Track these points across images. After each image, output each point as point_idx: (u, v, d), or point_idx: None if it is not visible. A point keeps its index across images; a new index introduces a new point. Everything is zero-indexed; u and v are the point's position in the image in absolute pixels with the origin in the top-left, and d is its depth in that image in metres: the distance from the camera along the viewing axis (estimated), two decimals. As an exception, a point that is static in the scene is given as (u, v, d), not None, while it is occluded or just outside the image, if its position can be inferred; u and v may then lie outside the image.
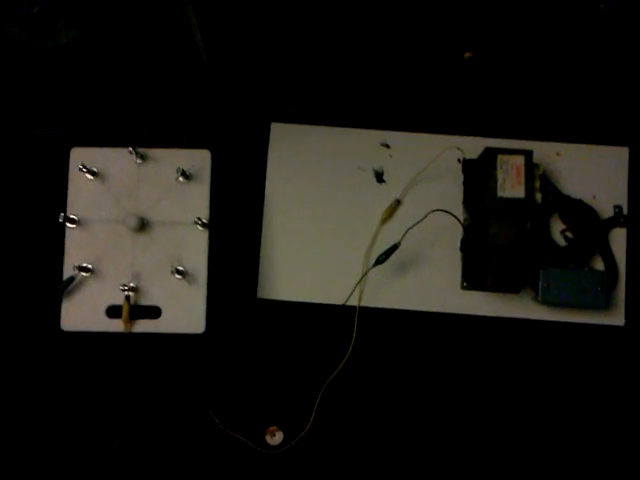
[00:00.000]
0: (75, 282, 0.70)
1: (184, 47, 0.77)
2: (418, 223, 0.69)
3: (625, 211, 0.75)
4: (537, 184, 0.71)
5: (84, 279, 0.70)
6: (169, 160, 0.72)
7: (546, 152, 0.76)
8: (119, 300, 0.69)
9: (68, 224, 0.71)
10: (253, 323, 0.74)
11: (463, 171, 0.76)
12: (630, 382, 0.73)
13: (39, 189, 0.76)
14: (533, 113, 0.79)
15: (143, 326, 0.70)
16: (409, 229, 0.69)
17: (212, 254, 0.71)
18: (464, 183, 0.76)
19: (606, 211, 0.75)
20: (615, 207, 0.75)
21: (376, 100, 0.79)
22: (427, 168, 0.75)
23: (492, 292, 0.73)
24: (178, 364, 0.73)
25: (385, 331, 0.74)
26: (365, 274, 0.73)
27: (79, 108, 0.78)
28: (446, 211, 0.70)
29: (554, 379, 0.73)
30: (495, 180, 0.69)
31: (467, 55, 0.80)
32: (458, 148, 0.75)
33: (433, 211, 0.70)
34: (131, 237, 0.71)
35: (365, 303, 0.73)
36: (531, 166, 0.70)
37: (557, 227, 0.75)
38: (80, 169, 0.71)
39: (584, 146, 0.77)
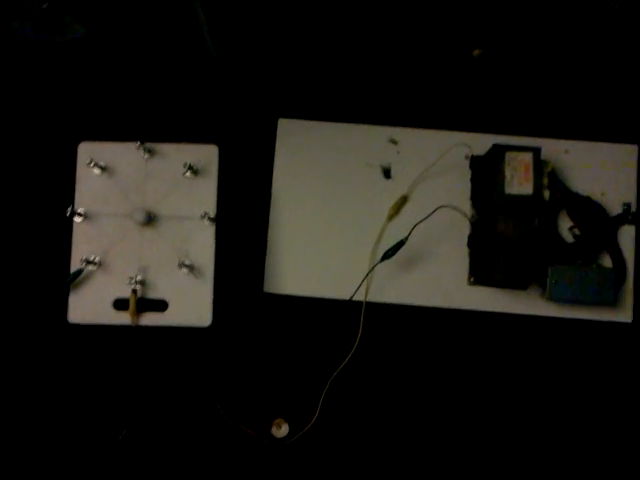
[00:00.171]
0: (82, 275, 0.70)
1: (192, 43, 0.78)
2: (425, 219, 0.69)
3: (633, 208, 0.74)
4: (545, 181, 0.71)
5: (91, 272, 0.71)
6: (176, 155, 0.73)
7: (554, 149, 0.76)
8: (126, 293, 0.70)
9: (76, 218, 0.71)
10: (259, 317, 0.74)
11: (471, 167, 0.76)
12: (638, 378, 0.73)
13: (47, 183, 0.77)
14: (542, 110, 0.78)
15: (150, 319, 0.70)
16: (416, 225, 0.69)
17: (219, 248, 0.71)
18: (471, 179, 0.76)
19: (614, 208, 0.75)
20: (624, 204, 0.75)
21: (384, 96, 0.79)
22: (435, 164, 0.75)
23: (499, 288, 0.73)
24: (184, 357, 0.73)
25: (391, 326, 0.74)
26: (372, 269, 0.72)
27: (87, 103, 0.79)
28: (453, 207, 0.70)
29: (561, 376, 0.73)
30: (503, 177, 0.69)
31: (476, 52, 0.80)
32: (466, 144, 0.74)
33: (440, 207, 0.70)
34: (138, 231, 0.72)
35: (371, 298, 0.73)
36: (539, 163, 0.70)
37: (565, 224, 0.74)
38: (88, 164, 0.71)
39: (593, 143, 0.76)
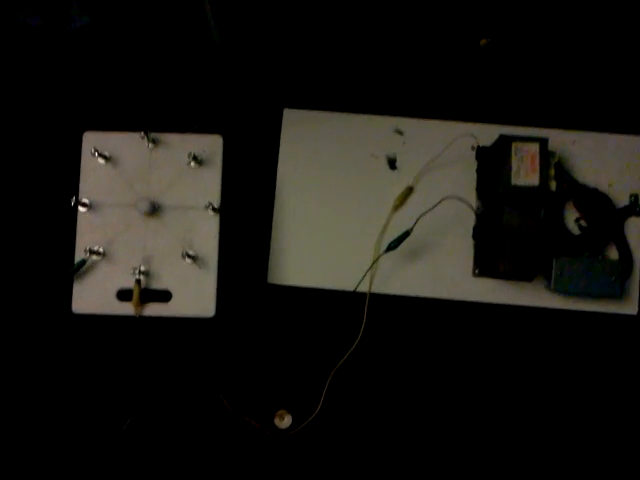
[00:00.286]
0: (86, 265, 0.70)
1: (197, 33, 0.77)
2: (430, 210, 0.69)
3: (641, 200, 0.74)
4: (552, 172, 0.70)
5: (95, 262, 0.71)
6: (181, 145, 0.72)
7: (561, 140, 0.75)
8: (130, 283, 0.70)
9: (80, 208, 0.71)
10: (263, 308, 0.74)
11: (477, 158, 0.75)
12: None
13: (52, 173, 0.76)
14: (549, 101, 0.78)
15: (153, 309, 0.70)
16: (421, 216, 0.69)
17: (223, 239, 0.71)
18: (477, 170, 0.75)
19: (621, 200, 0.74)
20: (631, 196, 0.74)
21: (390, 86, 0.79)
22: (440, 155, 0.74)
23: (504, 280, 0.73)
24: (188, 348, 0.73)
25: (395, 318, 0.74)
26: (376, 260, 0.72)
27: (92, 92, 0.79)
28: (459, 198, 0.70)
29: (567, 368, 0.73)
30: (509, 168, 0.69)
31: (483, 42, 0.79)
32: (472, 135, 0.74)
33: (446, 198, 0.69)
34: (142, 221, 0.72)
35: (376, 290, 0.73)
36: (546, 154, 0.69)
37: (571, 215, 0.74)
38: (92, 153, 0.71)
39: (600, 134, 0.76)
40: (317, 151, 0.77)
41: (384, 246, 0.71)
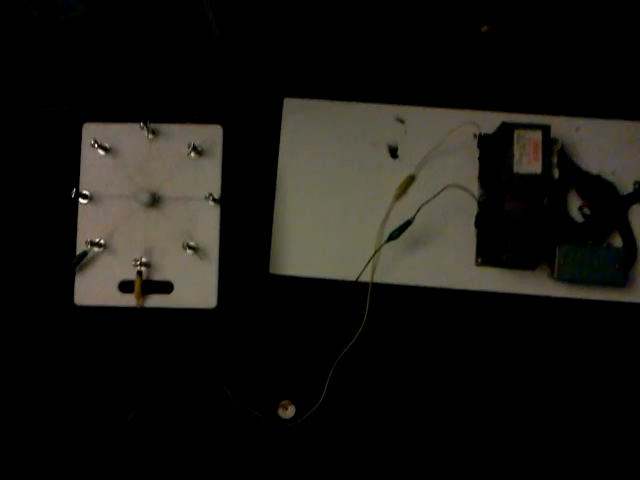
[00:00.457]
0: (88, 257, 0.70)
1: (196, 22, 0.76)
2: (432, 199, 0.68)
3: (645, 187, 0.74)
4: (554, 160, 0.70)
5: (97, 254, 0.70)
6: (180, 135, 0.72)
7: (564, 127, 0.74)
8: (132, 275, 0.70)
9: (81, 200, 0.71)
10: (265, 299, 0.74)
11: (479, 146, 0.75)
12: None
13: (51, 165, 0.76)
14: (551, 87, 0.77)
15: (155, 301, 0.70)
16: (423, 205, 0.68)
17: (224, 230, 0.71)
18: (479, 158, 0.75)
19: (626, 187, 0.73)
20: (635, 183, 0.73)
21: (391, 74, 0.78)
22: (442, 143, 0.74)
23: (507, 269, 0.72)
24: (190, 339, 0.73)
25: (398, 307, 0.73)
26: (378, 250, 0.72)
27: (91, 83, 0.78)
28: (461, 187, 0.69)
29: (570, 356, 0.72)
30: (511, 155, 0.68)
31: (484, 29, 0.78)
32: (474, 123, 0.73)
33: (448, 187, 0.69)
34: (143, 212, 0.71)
35: (378, 279, 0.73)
36: (549, 141, 0.69)
37: (575, 203, 0.73)
38: (92, 145, 0.71)
39: (603, 121, 0.75)
40: (318, 140, 0.76)
41: (386, 235, 0.70)
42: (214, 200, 0.70)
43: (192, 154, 0.71)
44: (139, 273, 0.69)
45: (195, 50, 0.78)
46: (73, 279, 0.70)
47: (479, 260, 0.73)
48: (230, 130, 0.73)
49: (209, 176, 0.72)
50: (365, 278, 0.72)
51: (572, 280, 0.70)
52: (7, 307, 0.74)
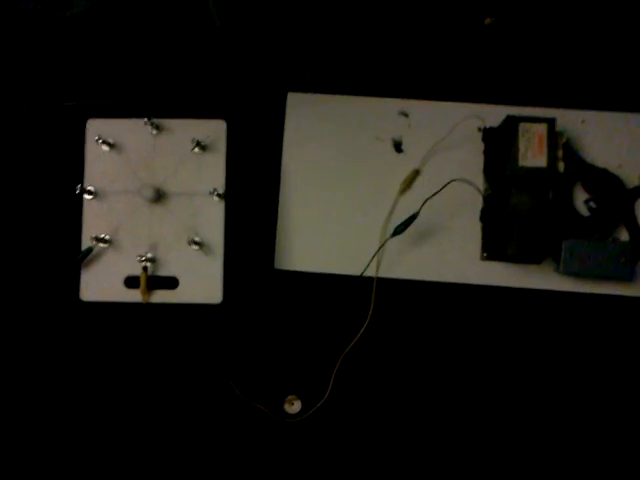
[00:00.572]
0: (93, 253, 0.70)
1: (199, 17, 0.76)
2: (437, 193, 0.68)
3: (651, 180, 0.73)
4: (560, 153, 0.70)
5: (102, 250, 0.71)
6: (184, 131, 0.72)
7: (570, 120, 0.74)
8: (137, 271, 0.70)
9: (85, 196, 0.71)
10: (270, 294, 0.74)
11: (483, 140, 0.74)
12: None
13: (56, 161, 0.76)
14: (556, 80, 0.76)
15: (161, 296, 0.70)
16: (428, 199, 0.68)
17: (229, 225, 0.71)
18: (484, 152, 0.74)
19: (632, 180, 0.73)
20: (641, 176, 0.73)
21: (394, 68, 0.77)
22: (447, 137, 0.73)
23: (513, 263, 0.72)
24: (196, 334, 0.73)
25: (403, 302, 0.73)
26: (383, 245, 0.72)
27: (94, 79, 0.78)
28: (466, 181, 0.69)
29: (576, 351, 0.72)
30: (516, 149, 0.68)
31: (488, 21, 0.78)
32: (478, 116, 0.73)
33: (452, 181, 0.69)
34: (148, 208, 0.71)
35: (383, 274, 0.73)
36: (554, 134, 0.68)
37: (580, 197, 0.73)
38: (96, 141, 0.71)
39: (609, 113, 0.75)
40: (322, 134, 0.76)
41: (390, 230, 0.70)
42: (218, 195, 0.70)
43: (196, 149, 0.71)
44: (144, 269, 0.69)
45: (198, 45, 0.78)
46: (79, 275, 0.70)
47: (484, 254, 0.73)
48: (234, 125, 0.73)
49: (213, 171, 0.72)
50: (370, 273, 0.72)
51: (578, 274, 0.70)
52: (13, 304, 0.74)
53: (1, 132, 0.77)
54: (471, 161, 0.74)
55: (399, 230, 0.69)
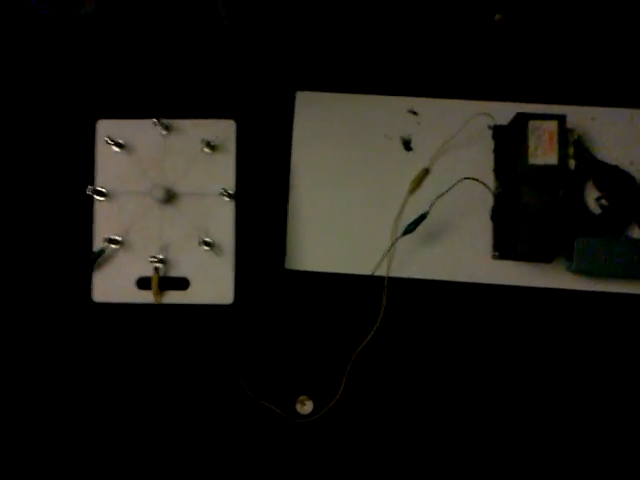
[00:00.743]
0: (105, 254, 0.70)
1: (207, 17, 0.76)
2: (447, 192, 0.68)
3: (663, 177, 0.73)
4: (571, 150, 0.69)
5: (114, 251, 0.71)
6: (194, 131, 0.72)
7: (580, 117, 0.73)
8: (148, 272, 0.70)
9: (97, 197, 0.71)
10: (281, 294, 0.74)
11: (493, 138, 0.74)
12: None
13: (66, 163, 0.76)
14: (567, 76, 0.76)
15: (172, 297, 0.70)
16: (438, 198, 0.68)
17: (239, 225, 0.71)
18: (494, 150, 0.74)
19: (644, 177, 0.73)
20: (653, 173, 0.73)
21: (403, 66, 0.77)
22: (456, 135, 0.73)
23: (524, 262, 0.72)
24: (208, 335, 0.73)
25: (414, 301, 0.73)
26: (393, 244, 0.72)
27: (103, 80, 0.78)
28: (476, 179, 0.69)
29: (589, 350, 0.72)
30: (527, 147, 0.67)
31: (497, 17, 0.77)
32: (488, 114, 0.73)
33: (462, 179, 0.68)
34: (158, 209, 0.72)
35: (393, 273, 0.73)
36: (564, 132, 0.68)
37: (592, 194, 0.72)
38: (106, 141, 0.71)
39: (620, 110, 0.74)
40: (331, 133, 0.76)
41: (401, 229, 0.70)
42: (229, 195, 0.70)
43: (206, 149, 0.71)
44: (156, 270, 0.70)
45: (207, 45, 0.78)
46: (91, 277, 0.71)
47: (495, 253, 0.73)
48: (243, 125, 0.73)
49: (223, 171, 0.72)
50: (381, 272, 0.72)
51: (590, 273, 0.70)
52: (26, 306, 0.75)
53: (12, 133, 0.78)
54: (481, 159, 0.74)
55: (409, 229, 0.69)
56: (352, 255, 0.73)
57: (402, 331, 0.73)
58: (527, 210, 0.68)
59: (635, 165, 0.73)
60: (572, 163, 0.69)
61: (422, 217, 0.69)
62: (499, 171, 0.73)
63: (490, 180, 0.73)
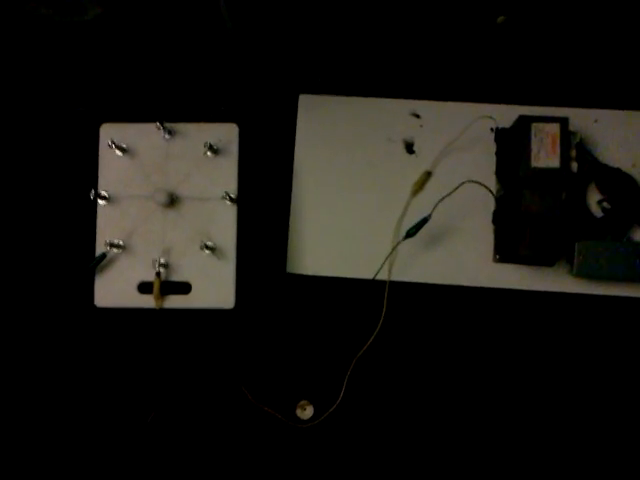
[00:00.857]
0: (107, 259, 0.71)
1: (210, 21, 0.76)
2: (449, 195, 0.68)
3: (666, 180, 0.72)
4: (573, 153, 0.69)
5: (116, 256, 0.71)
6: (196, 135, 0.72)
7: (583, 119, 0.73)
8: (150, 276, 0.70)
9: (99, 201, 0.72)
10: (283, 298, 0.74)
11: (496, 140, 0.74)
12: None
13: (70, 166, 0.77)
14: (569, 79, 0.76)
15: (174, 302, 0.71)
16: (440, 201, 0.68)
17: (241, 229, 0.71)
18: (497, 153, 0.74)
19: (646, 180, 0.72)
20: (656, 176, 0.72)
21: (405, 69, 0.77)
22: (459, 138, 0.73)
23: (525, 265, 0.72)
24: (209, 339, 0.73)
25: (415, 305, 0.73)
26: (395, 247, 0.72)
27: (107, 84, 0.78)
28: (478, 182, 0.69)
29: (590, 353, 0.72)
30: (529, 149, 0.67)
31: (500, 19, 0.77)
32: (491, 117, 0.72)
33: (465, 182, 0.68)
34: (161, 213, 0.72)
35: (395, 277, 0.73)
36: (567, 134, 0.68)
37: (594, 197, 0.72)
38: (110, 145, 0.71)
39: (623, 112, 0.74)
40: (334, 137, 0.76)
41: (403, 233, 0.70)
42: (231, 199, 0.70)
43: (208, 153, 0.71)
44: (157, 274, 0.70)
45: (209, 49, 0.78)
46: (93, 281, 0.71)
47: (497, 257, 0.72)
48: (246, 128, 0.73)
49: (225, 175, 0.72)
50: (382, 276, 0.72)
51: (592, 276, 0.70)
52: (28, 310, 0.75)
53: (15, 137, 0.78)
54: (483, 162, 0.74)
55: (411, 233, 0.69)
56: (353, 259, 0.74)
57: (403, 335, 0.73)
58: (529, 213, 0.68)
59: (637, 167, 0.72)
60: (574, 166, 0.69)
61: (424, 221, 0.69)
62: (501, 174, 0.73)
63: (492, 183, 0.73)
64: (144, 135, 0.73)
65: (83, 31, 0.78)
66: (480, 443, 0.71)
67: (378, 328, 0.71)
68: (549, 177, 0.67)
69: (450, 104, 0.76)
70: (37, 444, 0.74)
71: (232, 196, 0.70)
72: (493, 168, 0.74)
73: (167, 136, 0.72)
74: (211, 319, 0.73)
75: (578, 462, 0.71)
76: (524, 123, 0.68)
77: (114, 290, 0.71)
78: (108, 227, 0.72)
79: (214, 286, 0.70)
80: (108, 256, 0.70)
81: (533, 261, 0.70)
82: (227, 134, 0.72)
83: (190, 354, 0.73)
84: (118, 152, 0.72)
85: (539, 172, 0.67)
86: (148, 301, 0.70)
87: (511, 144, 0.72)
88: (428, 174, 0.74)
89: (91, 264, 0.70)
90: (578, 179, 0.71)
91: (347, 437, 0.72)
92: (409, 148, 0.75)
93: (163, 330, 0.73)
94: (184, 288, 0.71)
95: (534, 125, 0.68)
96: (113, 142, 0.71)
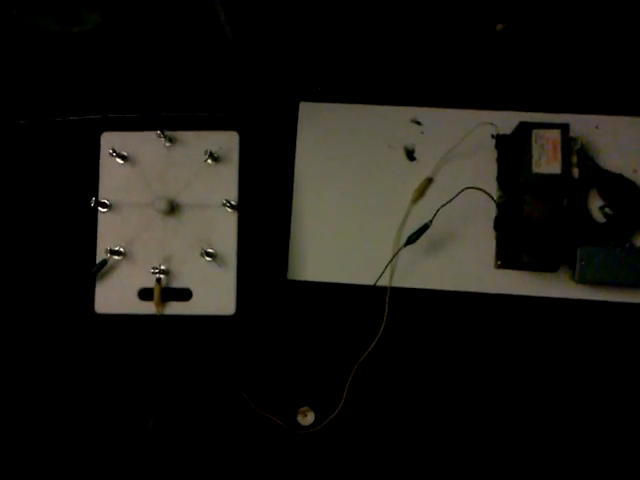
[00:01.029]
0: (108, 266, 0.71)
1: (209, 29, 0.77)
2: (450, 201, 0.68)
3: (668, 185, 0.72)
4: (574, 159, 0.69)
5: (116, 262, 0.71)
6: (197, 142, 0.72)
7: (584, 125, 0.73)
8: (151, 283, 0.70)
9: (100, 208, 0.72)
10: (284, 304, 0.74)
11: (497, 147, 0.74)
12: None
13: (71, 174, 0.77)
14: (570, 85, 0.76)
15: (174, 308, 0.70)
16: (441, 207, 0.68)
17: (242, 236, 0.71)
18: (498, 159, 0.74)
19: (648, 186, 0.72)
20: (657, 181, 0.72)
21: (406, 76, 0.77)
22: (459, 145, 0.73)
23: (527, 271, 0.71)
24: (209, 346, 0.73)
25: (417, 312, 0.73)
26: (396, 254, 0.72)
27: (107, 93, 0.79)
28: (479, 189, 0.69)
29: (593, 359, 0.71)
30: (530, 156, 0.67)
31: (499, 27, 0.77)
32: (491, 123, 0.73)
33: (466, 189, 0.68)
34: (161, 220, 0.72)
35: (396, 283, 0.73)
36: (568, 140, 0.68)
37: (596, 203, 0.72)
38: (110, 153, 0.71)
39: (624, 118, 0.74)
40: (334, 144, 0.76)
41: (404, 239, 0.70)
42: (231, 206, 0.70)
43: (209, 161, 0.72)
44: (158, 281, 0.70)
45: (210, 57, 0.78)
46: (93, 287, 0.71)
47: (499, 263, 0.72)
48: (246, 136, 0.73)
49: (226, 182, 0.72)
50: (383, 282, 0.72)
51: (594, 282, 0.69)
52: (29, 316, 0.75)
53: (17, 146, 0.78)
54: (484, 169, 0.74)
55: (412, 239, 0.69)
56: (354, 265, 0.73)
57: (404, 342, 0.73)
58: (531, 219, 0.68)
59: (639, 173, 0.72)
60: (576, 172, 0.69)
61: (425, 227, 0.69)
62: (502, 180, 0.73)
63: (493, 189, 0.73)
64: (145, 143, 0.73)
65: (83, 41, 0.78)
66: (482, 450, 0.71)
67: (379, 334, 0.71)
68: (550, 183, 0.67)
69: (451, 111, 0.76)
70: (39, 450, 0.73)
71: (233, 203, 0.70)
72: (494, 174, 0.74)
73: (168, 144, 0.72)
74: (212, 325, 0.72)
75: (581, 466, 0.70)
76: (525, 129, 0.68)
77: (115, 297, 0.71)
78: (109, 234, 0.72)
79: (215, 293, 0.70)
80: (109, 263, 0.70)
81: (535, 267, 0.70)
82: (228, 142, 0.72)
83: (191, 360, 0.73)
84: (119, 160, 0.72)
85: (540, 178, 0.67)
86: (149, 307, 0.70)
87: (512, 150, 0.72)
88: (429, 181, 0.74)
89: (92, 271, 0.70)
90: (579, 185, 0.71)
91: (348, 443, 0.71)
92: (410, 155, 0.76)
93: (164, 336, 0.73)
94: (185, 295, 0.71)
95: (535, 131, 0.68)
96: (114, 150, 0.71)
